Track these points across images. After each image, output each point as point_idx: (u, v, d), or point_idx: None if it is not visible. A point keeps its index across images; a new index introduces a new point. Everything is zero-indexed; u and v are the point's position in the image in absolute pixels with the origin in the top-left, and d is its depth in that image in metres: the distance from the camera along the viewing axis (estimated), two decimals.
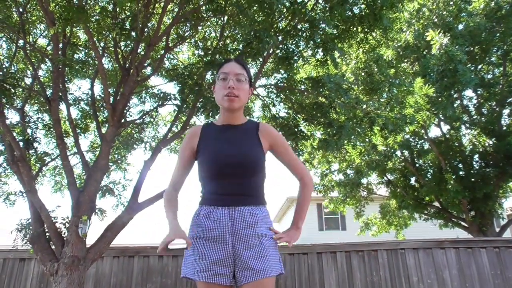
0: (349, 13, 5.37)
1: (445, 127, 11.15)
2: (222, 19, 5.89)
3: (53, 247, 4.74)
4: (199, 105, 5.45)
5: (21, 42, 5.78)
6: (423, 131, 10.64)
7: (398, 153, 11.07)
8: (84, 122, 6.71)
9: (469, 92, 11.46)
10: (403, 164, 11.36)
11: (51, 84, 5.55)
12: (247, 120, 1.84)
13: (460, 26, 9.58)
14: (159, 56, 6.25)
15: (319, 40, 5.41)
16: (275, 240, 1.67)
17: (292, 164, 1.85)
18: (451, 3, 9.80)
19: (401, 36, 9.34)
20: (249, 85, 1.79)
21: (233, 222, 1.62)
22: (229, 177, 1.66)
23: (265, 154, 1.77)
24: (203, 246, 1.61)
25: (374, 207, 12.94)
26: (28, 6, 5.76)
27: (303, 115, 6.55)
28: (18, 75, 5.99)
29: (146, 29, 5.48)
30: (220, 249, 1.59)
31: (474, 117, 10.71)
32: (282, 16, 5.71)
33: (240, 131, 1.77)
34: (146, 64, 5.92)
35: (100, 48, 5.68)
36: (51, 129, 6.30)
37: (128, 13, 5.56)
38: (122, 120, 5.49)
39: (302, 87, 6.39)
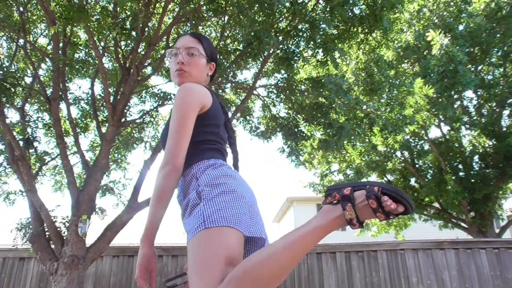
0: (350, 13, 5.38)
1: (445, 128, 11.16)
2: (222, 19, 5.90)
3: (52, 246, 4.74)
4: None
5: (21, 41, 5.78)
6: (423, 131, 10.64)
7: (398, 153, 11.07)
8: (84, 122, 6.72)
9: (469, 93, 11.49)
10: (403, 164, 11.36)
11: (51, 84, 5.56)
12: None
13: (461, 27, 9.58)
14: (159, 56, 6.26)
15: (319, 40, 5.42)
16: (199, 192, 1.28)
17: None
18: (452, 3, 9.80)
19: (401, 36, 9.34)
20: (207, 60, 1.58)
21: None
22: None
23: None
24: None
25: None
26: (29, 6, 5.77)
27: (303, 116, 6.55)
28: (19, 74, 6.00)
29: (146, 29, 5.49)
30: None
31: (474, 118, 10.72)
32: (283, 17, 5.71)
33: None
34: (146, 64, 5.92)
35: (101, 47, 5.68)
36: (51, 128, 6.30)
37: (129, 13, 5.57)
38: (122, 120, 5.50)
39: (302, 87, 6.39)
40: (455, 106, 10.41)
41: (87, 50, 6.28)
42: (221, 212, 1.20)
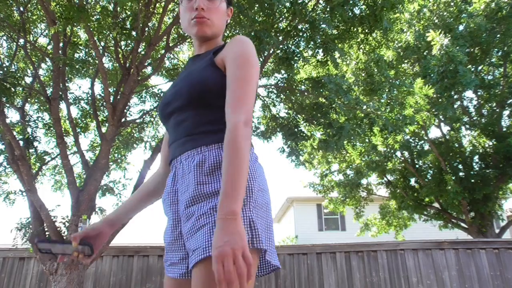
0: (350, 14, 5.39)
1: (445, 128, 11.17)
2: None
3: None
4: None
5: (21, 41, 5.78)
6: (423, 132, 10.64)
7: (398, 154, 11.08)
8: (84, 121, 6.72)
9: (469, 93, 11.50)
10: (403, 165, 11.37)
11: (52, 83, 5.56)
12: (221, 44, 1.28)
13: (461, 27, 9.59)
14: (159, 56, 6.25)
15: (319, 40, 5.42)
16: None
17: (228, 91, 1.08)
18: (452, 4, 9.80)
19: (401, 36, 9.34)
20: (226, 4, 1.29)
21: (175, 182, 1.14)
22: (171, 117, 1.20)
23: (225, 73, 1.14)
24: (166, 227, 1.17)
25: (373, 207, 12.94)
26: (29, 5, 5.77)
27: (303, 116, 6.56)
28: (19, 74, 6.00)
29: (146, 29, 5.48)
30: (171, 226, 1.13)
31: (474, 118, 10.72)
32: (283, 17, 5.71)
33: (201, 58, 1.25)
34: (146, 64, 5.92)
35: (101, 47, 5.69)
36: (51, 128, 6.31)
37: (129, 13, 5.56)
38: (122, 120, 5.50)
39: (303, 87, 6.40)
40: (455, 106, 10.42)
41: (87, 50, 6.28)
42: (267, 233, 1.02)
